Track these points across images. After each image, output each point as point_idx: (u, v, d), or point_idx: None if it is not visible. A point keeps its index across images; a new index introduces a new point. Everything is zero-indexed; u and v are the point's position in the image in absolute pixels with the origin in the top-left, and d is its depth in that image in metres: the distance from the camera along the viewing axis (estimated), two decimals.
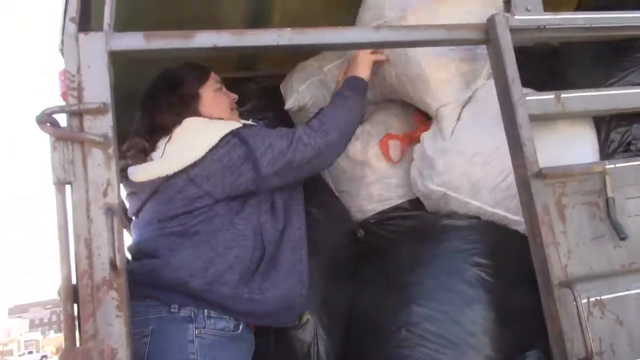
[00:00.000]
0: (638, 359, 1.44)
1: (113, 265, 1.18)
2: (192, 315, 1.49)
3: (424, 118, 2.12)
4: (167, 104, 1.73)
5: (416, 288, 1.73)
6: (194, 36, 1.38)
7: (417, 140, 1.99)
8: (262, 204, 1.63)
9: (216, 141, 1.57)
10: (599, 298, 1.46)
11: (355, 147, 2.09)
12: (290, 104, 2.28)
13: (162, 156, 1.62)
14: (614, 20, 1.71)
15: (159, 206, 1.60)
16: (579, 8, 2.53)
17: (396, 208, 2.09)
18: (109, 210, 1.21)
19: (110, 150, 1.26)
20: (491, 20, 1.59)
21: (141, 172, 1.63)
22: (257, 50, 1.47)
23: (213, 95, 1.80)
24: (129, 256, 1.63)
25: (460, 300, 1.66)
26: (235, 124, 1.66)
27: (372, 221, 2.07)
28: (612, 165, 1.57)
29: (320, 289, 1.79)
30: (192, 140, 1.61)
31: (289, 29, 1.45)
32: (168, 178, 1.57)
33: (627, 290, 1.49)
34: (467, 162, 1.78)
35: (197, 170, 1.56)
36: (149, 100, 1.78)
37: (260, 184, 1.60)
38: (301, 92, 2.28)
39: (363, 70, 1.87)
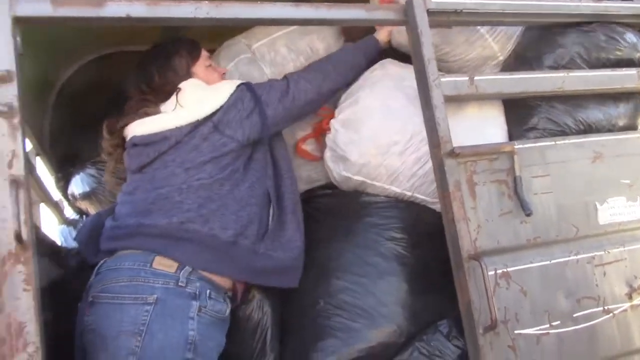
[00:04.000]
0: (539, 326, 1.54)
1: (19, 238, 1.15)
2: (197, 293, 1.50)
3: (327, 106, 2.10)
4: (162, 77, 1.78)
5: (335, 261, 1.77)
6: (105, 5, 1.34)
7: (327, 129, 1.98)
8: (267, 169, 1.76)
9: (233, 89, 1.69)
10: (505, 270, 1.54)
11: (284, 131, 2.08)
12: None
13: (175, 109, 1.68)
14: (526, 7, 1.79)
15: (185, 155, 1.62)
16: None
17: (322, 187, 2.11)
18: (14, 182, 1.17)
19: (16, 121, 1.22)
20: (409, 3, 1.63)
21: (160, 122, 1.66)
22: (173, 23, 1.44)
23: (204, 72, 1.85)
24: (130, 214, 1.61)
25: (374, 272, 1.71)
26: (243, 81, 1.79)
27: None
28: (521, 146, 1.66)
29: None
30: (211, 91, 1.72)
31: (207, 1, 1.44)
32: (195, 126, 1.63)
33: (531, 262, 1.58)
34: (383, 153, 1.79)
35: (219, 116, 1.64)
36: (141, 74, 1.81)
37: (267, 126, 1.72)
38: (230, 70, 2.24)
39: (382, 32, 2.02)
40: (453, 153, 1.54)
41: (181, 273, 1.50)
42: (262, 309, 1.79)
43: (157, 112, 1.70)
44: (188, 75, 1.80)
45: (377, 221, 1.80)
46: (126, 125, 1.71)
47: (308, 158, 2.06)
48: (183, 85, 1.74)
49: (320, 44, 2.27)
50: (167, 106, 1.71)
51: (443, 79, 1.60)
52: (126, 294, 1.45)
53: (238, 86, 1.72)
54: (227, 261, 1.57)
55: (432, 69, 1.59)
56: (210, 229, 1.55)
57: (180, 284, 1.49)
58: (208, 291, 1.53)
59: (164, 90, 1.75)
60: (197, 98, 1.69)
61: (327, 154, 1.92)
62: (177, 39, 1.89)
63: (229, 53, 2.27)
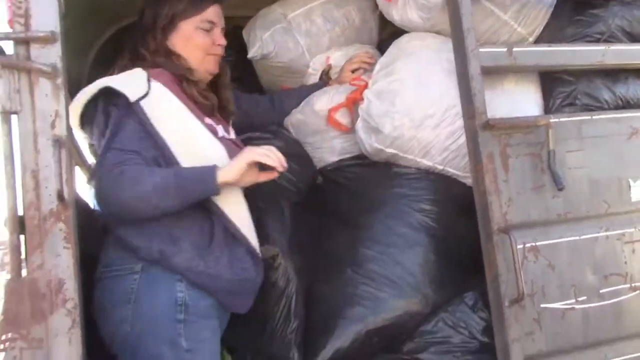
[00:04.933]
0: (566, 300, 1.54)
1: (60, 197, 1.19)
2: None
3: (360, 77, 2.10)
4: (144, 26, 1.61)
5: (363, 231, 1.79)
6: None
7: (360, 99, 1.95)
8: None
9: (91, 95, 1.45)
10: (534, 244, 1.55)
11: (321, 102, 2.07)
12: (253, 52, 2.24)
13: None
14: None
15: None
16: None
17: (354, 157, 2.08)
18: (57, 142, 1.20)
19: (59, 81, 1.25)
20: None
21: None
22: None
23: (191, 32, 1.61)
24: None
25: (403, 242, 1.73)
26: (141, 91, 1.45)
27: (329, 168, 2.08)
28: (556, 119, 1.63)
29: (288, 232, 1.86)
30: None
31: None
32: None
33: (561, 237, 1.58)
34: (417, 126, 1.77)
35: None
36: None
37: None
38: (265, 40, 2.23)
39: (230, 171, 1.44)
40: (488, 125, 1.53)
41: None
42: (287, 277, 1.80)
43: None
44: (169, 30, 1.60)
45: (407, 192, 1.81)
46: None
47: (339, 128, 2.05)
48: None
49: (357, 14, 2.27)
50: None
51: (481, 50, 1.58)
52: (118, 265, 1.44)
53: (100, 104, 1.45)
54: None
55: (470, 39, 1.56)
56: (132, 240, 1.42)
57: None
58: None
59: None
60: None
61: (359, 125, 1.92)
62: None
63: (265, 22, 2.27)
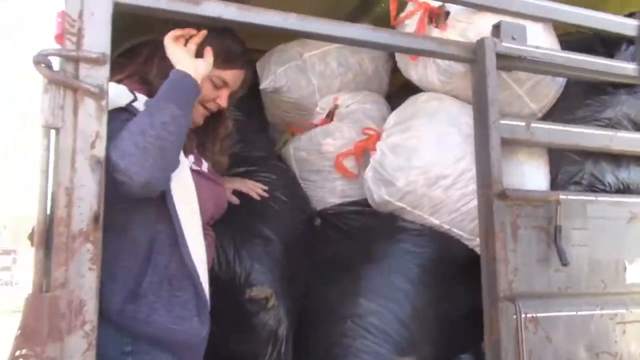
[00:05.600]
0: None
1: (96, 218, 1.17)
2: None
3: (373, 126, 2.15)
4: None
5: (365, 282, 1.80)
6: (201, 3, 1.37)
7: (371, 148, 1.99)
8: (161, 210, 1.40)
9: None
10: (535, 315, 1.59)
11: (326, 142, 2.12)
12: (266, 84, 2.27)
13: None
14: (588, 64, 1.84)
15: None
16: None
17: (354, 202, 2.11)
18: (98, 163, 1.19)
19: (104, 103, 1.24)
20: (480, 42, 1.68)
21: None
22: (260, 29, 1.47)
23: (202, 81, 1.48)
24: None
25: (404, 298, 1.75)
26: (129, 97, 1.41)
27: (330, 212, 2.11)
28: (565, 197, 1.71)
29: (282, 270, 1.85)
30: None
31: (295, 14, 1.48)
32: None
33: (560, 311, 1.64)
34: (430, 184, 1.82)
35: None
36: None
37: None
38: (278, 74, 2.27)
39: (183, 65, 1.44)
40: (504, 195, 1.59)
41: None
42: (279, 319, 1.80)
43: None
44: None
45: (411, 248, 1.84)
46: None
47: (345, 174, 2.09)
48: None
49: (370, 63, 2.33)
50: None
51: (502, 122, 1.65)
52: None
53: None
54: None
55: (493, 110, 1.63)
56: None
57: None
58: None
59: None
60: None
61: (369, 174, 1.95)
62: (235, 36, 1.64)
63: (281, 57, 2.31)
